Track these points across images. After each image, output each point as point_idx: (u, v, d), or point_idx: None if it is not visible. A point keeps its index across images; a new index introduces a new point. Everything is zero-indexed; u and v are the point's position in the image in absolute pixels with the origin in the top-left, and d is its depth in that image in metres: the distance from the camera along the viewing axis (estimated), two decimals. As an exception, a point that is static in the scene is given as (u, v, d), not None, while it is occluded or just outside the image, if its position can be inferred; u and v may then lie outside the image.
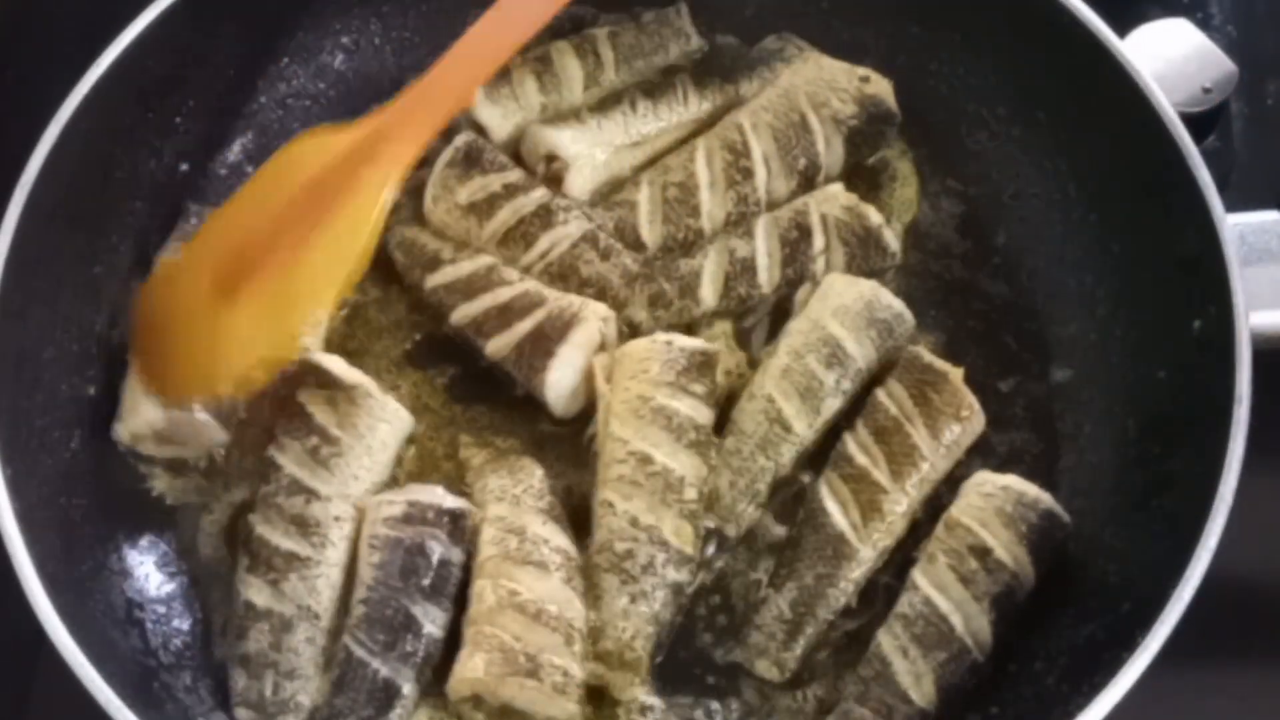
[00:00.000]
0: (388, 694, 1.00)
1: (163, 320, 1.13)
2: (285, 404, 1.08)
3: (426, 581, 1.02)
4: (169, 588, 1.09)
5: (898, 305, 1.14)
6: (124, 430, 1.10)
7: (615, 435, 1.07)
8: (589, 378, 1.11)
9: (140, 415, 1.10)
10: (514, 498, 1.07)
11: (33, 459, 1.05)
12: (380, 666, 1.00)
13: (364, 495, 1.07)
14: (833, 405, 1.10)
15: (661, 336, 1.11)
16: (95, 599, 1.04)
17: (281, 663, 1.02)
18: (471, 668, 0.99)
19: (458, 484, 1.11)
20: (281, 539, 1.03)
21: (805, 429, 1.09)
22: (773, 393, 1.10)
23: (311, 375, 1.08)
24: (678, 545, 1.04)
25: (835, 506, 1.06)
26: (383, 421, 1.08)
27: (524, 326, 1.12)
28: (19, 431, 1.04)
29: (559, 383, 1.11)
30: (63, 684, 0.93)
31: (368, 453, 1.07)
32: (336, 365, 1.09)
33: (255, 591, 1.03)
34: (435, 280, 1.16)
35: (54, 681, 0.94)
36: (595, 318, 1.11)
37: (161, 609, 1.08)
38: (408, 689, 1.01)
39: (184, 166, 1.22)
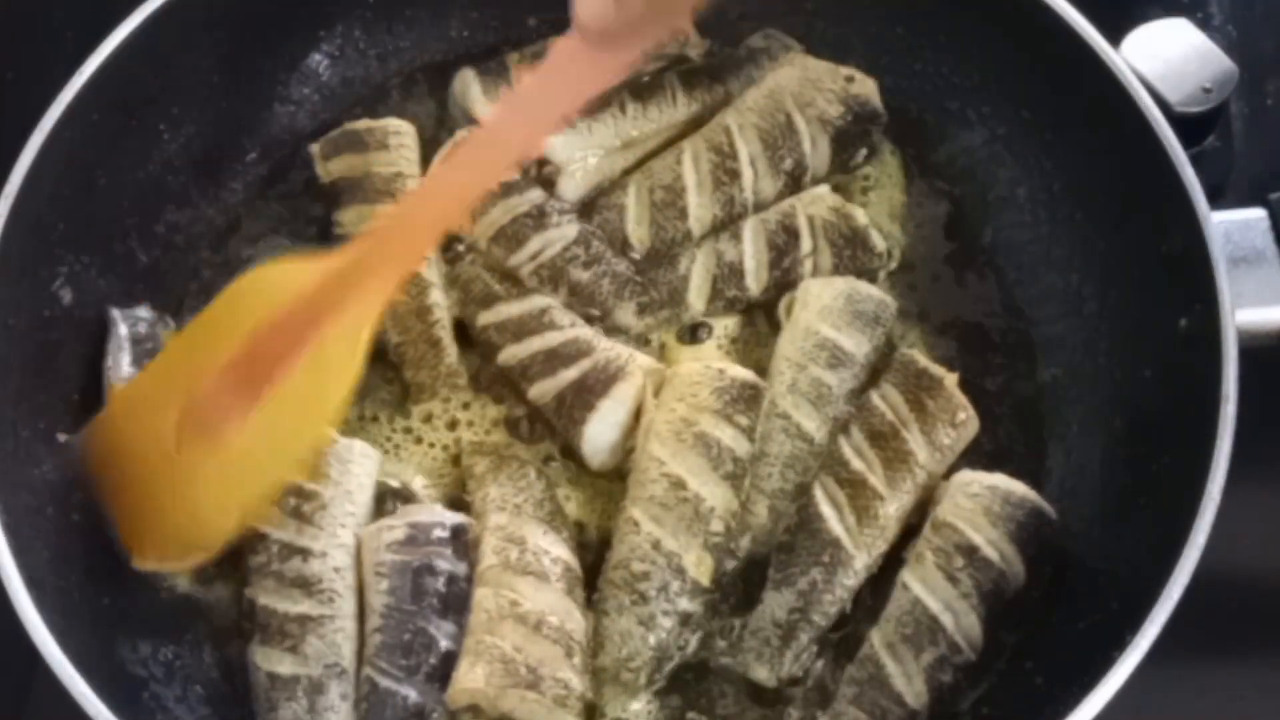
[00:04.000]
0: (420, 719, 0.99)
1: (127, 463, 1.04)
2: None
3: (439, 600, 1.01)
4: (158, 597, 1.08)
5: (876, 293, 1.15)
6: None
7: (652, 455, 1.06)
8: (629, 433, 1.10)
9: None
10: (515, 507, 1.06)
11: (19, 469, 1.04)
12: (409, 692, 0.99)
13: (352, 540, 1.05)
14: (841, 406, 1.11)
15: (715, 364, 1.10)
16: (84, 609, 1.03)
17: None
18: (472, 678, 0.98)
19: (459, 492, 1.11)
20: (289, 605, 1.02)
21: (824, 437, 1.09)
22: (787, 409, 1.10)
23: None
24: (695, 576, 1.03)
25: (831, 511, 1.06)
26: (351, 463, 1.07)
27: (568, 375, 1.10)
28: (5, 442, 1.04)
29: (597, 437, 1.09)
30: (58, 696, 0.93)
31: (348, 498, 1.06)
32: None
33: (275, 662, 1.01)
34: (487, 318, 1.15)
35: (50, 693, 0.93)
36: (641, 372, 1.10)
37: (151, 619, 1.07)
38: (438, 713, 1.00)
39: (168, 175, 1.22)
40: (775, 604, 1.04)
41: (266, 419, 1.01)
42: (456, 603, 1.02)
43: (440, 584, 1.02)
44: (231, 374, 1.01)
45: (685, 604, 1.03)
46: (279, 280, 1.04)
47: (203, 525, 1.04)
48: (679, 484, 1.04)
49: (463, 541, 1.04)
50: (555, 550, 1.04)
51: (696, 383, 1.08)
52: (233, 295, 1.06)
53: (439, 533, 1.03)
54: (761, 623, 1.04)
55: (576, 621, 1.02)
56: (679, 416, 1.07)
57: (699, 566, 1.03)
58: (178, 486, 1.03)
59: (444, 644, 1.00)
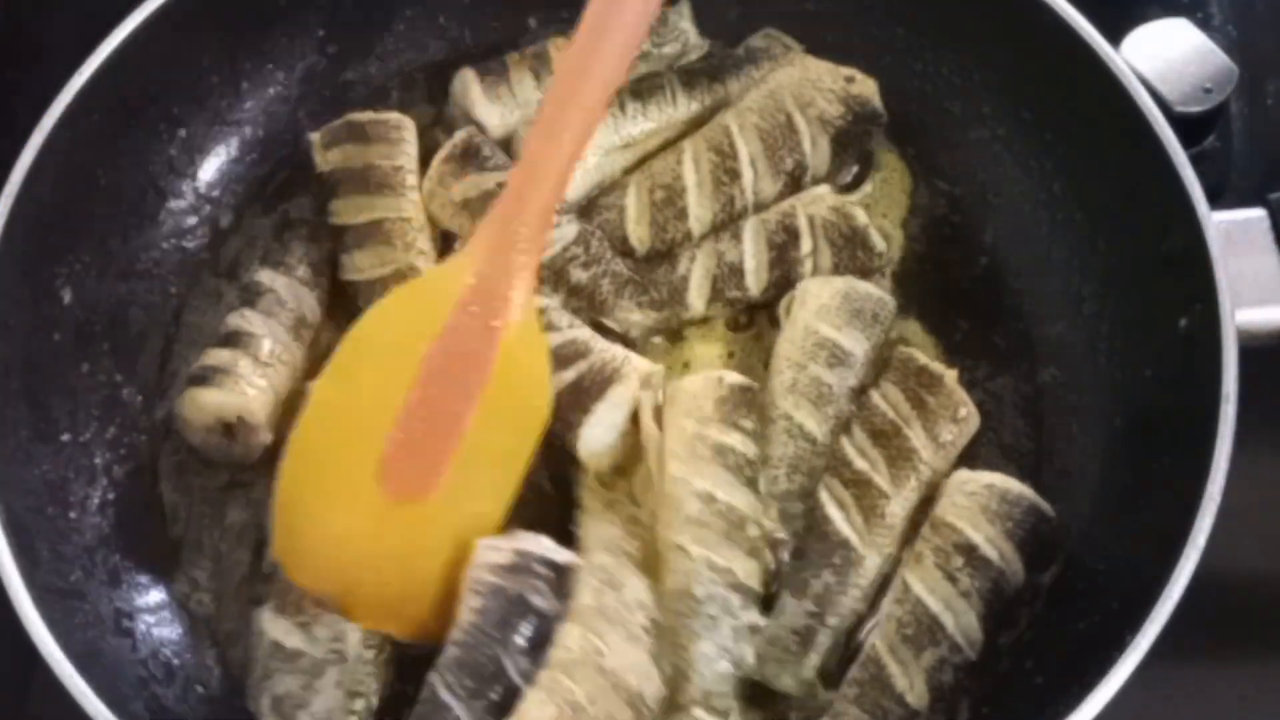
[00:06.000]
0: None
1: (314, 514, 1.00)
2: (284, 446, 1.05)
3: (523, 637, 0.99)
4: (158, 597, 1.09)
5: (875, 291, 1.15)
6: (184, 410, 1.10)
7: (676, 476, 1.04)
8: (626, 435, 1.09)
9: (197, 421, 1.10)
10: (623, 552, 1.04)
11: (19, 469, 1.05)
12: (463, 715, 0.97)
13: None
14: (842, 405, 1.10)
15: (713, 373, 1.09)
16: (84, 609, 1.03)
17: (314, 703, 1.00)
18: (540, 716, 0.96)
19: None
20: None
21: (826, 435, 1.09)
22: (789, 411, 1.09)
23: None
24: (749, 585, 1.02)
25: (838, 513, 1.06)
26: None
27: (565, 377, 1.08)
28: (5, 442, 1.04)
29: (593, 440, 1.08)
30: (58, 696, 0.93)
31: None
32: None
33: (284, 633, 1.01)
34: None
35: (50, 693, 0.94)
36: (636, 375, 1.09)
37: (151, 618, 1.07)
38: None
39: (168, 175, 1.22)
40: (791, 611, 1.04)
41: (465, 459, 0.98)
42: (540, 641, 0.99)
43: (530, 621, 0.99)
44: (417, 418, 0.96)
45: (750, 616, 1.02)
46: (413, 305, 0.98)
47: (405, 589, 1.00)
48: (709, 499, 1.03)
49: (565, 581, 1.01)
50: (652, 608, 1.01)
51: (699, 395, 1.07)
52: (370, 340, 0.99)
53: (542, 568, 1.00)
54: (779, 631, 1.04)
55: (654, 687, 0.99)
56: (691, 433, 1.06)
57: (749, 575, 1.02)
58: (378, 538, 0.99)
59: (515, 679, 0.98)
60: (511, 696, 0.98)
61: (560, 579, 1.01)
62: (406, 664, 1.04)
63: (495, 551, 1.01)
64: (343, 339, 1.02)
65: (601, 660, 0.98)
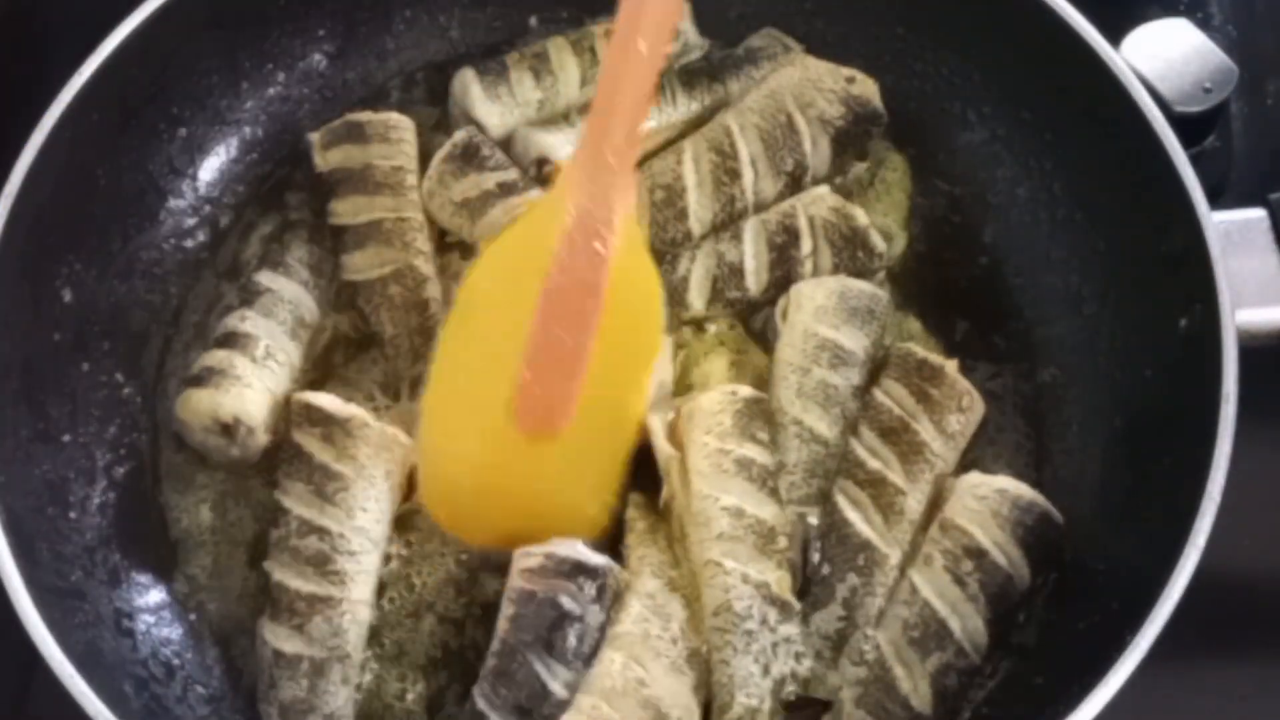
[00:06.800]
0: None
1: (467, 478, 1.05)
2: (281, 447, 1.07)
3: (556, 641, 0.98)
4: (158, 596, 1.09)
5: (867, 287, 1.15)
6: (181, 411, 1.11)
7: (703, 493, 1.04)
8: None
9: (193, 422, 1.11)
10: (670, 580, 1.04)
11: (19, 469, 1.04)
12: None
13: (375, 526, 1.05)
14: (849, 404, 1.10)
15: (726, 387, 1.08)
16: (84, 609, 1.03)
17: (320, 706, 1.00)
18: None
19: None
20: (301, 583, 1.01)
21: (837, 436, 1.09)
22: (798, 415, 1.09)
23: (304, 414, 1.06)
24: (784, 598, 1.02)
25: (856, 515, 1.06)
26: (383, 449, 1.06)
27: None
28: (5, 442, 1.04)
29: None
30: (58, 696, 0.93)
31: (372, 483, 1.05)
32: (328, 401, 1.07)
33: (283, 640, 1.01)
34: None
35: (50, 693, 0.94)
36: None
37: (151, 618, 1.07)
38: None
39: (168, 175, 1.22)
40: (821, 620, 1.04)
41: (592, 390, 1.01)
42: (579, 648, 0.99)
43: (562, 623, 0.99)
44: (540, 355, 0.99)
45: (786, 629, 1.02)
46: (534, 230, 0.99)
47: (565, 514, 1.04)
48: (738, 513, 1.03)
49: (602, 586, 1.01)
50: (696, 641, 1.01)
51: (718, 411, 1.07)
52: (497, 259, 1.01)
53: (573, 569, 1.00)
54: (811, 638, 1.04)
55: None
56: (714, 449, 1.05)
57: (781, 585, 1.02)
58: (520, 476, 1.04)
59: (554, 689, 0.98)
60: (554, 705, 0.97)
61: (594, 581, 1.01)
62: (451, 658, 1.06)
63: (527, 557, 1.01)
64: (459, 286, 1.06)
65: (644, 691, 0.97)
